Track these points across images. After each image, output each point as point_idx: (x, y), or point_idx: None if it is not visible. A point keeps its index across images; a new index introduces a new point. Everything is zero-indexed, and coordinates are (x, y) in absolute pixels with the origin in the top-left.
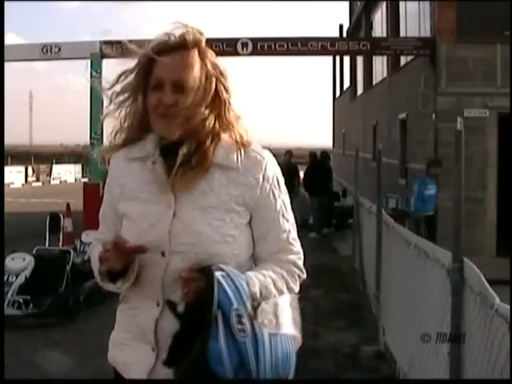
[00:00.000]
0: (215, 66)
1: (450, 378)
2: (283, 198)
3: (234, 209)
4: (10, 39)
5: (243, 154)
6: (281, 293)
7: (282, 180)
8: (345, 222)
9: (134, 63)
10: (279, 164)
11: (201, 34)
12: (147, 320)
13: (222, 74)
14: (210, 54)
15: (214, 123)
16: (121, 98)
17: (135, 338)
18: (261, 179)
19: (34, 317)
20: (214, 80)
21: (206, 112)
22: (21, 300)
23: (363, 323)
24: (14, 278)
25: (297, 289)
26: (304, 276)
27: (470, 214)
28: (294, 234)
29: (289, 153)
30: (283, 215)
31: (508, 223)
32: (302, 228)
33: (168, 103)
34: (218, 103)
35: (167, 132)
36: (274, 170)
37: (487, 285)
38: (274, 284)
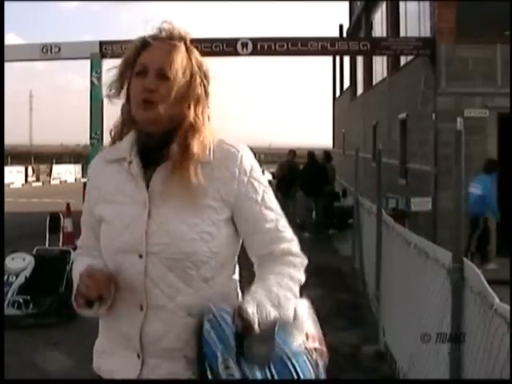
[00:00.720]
0: (200, 64)
1: (450, 377)
2: (264, 188)
3: (210, 205)
4: (9, 39)
5: (216, 148)
6: (294, 293)
7: (259, 171)
8: (345, 222)
9: (124, 55)
10: (283, 164)
11: (187, 32)
12: (131, 326)
13: (205, 74)
14: (196, 52)
15: (194, 120)
16: (113, 92)
17: (119, 345)
18: (237, 172)
19: (34, 317)
20: (197, 77)
21: (187, 106)
22: (21, 300)
23: (363, 323)
24: (14, 277)
25: (303, 277)
26: (306, 261)
27: None
28: (282, 221)
29: (292, 152)
30: (266, 206)
31: (508, 223)
32: (302, 228)
33: (151, 88)
34: (197, 101)
35: (147, 118)
36: (250, 161)
37: (487, 285)
38: (283, 288)
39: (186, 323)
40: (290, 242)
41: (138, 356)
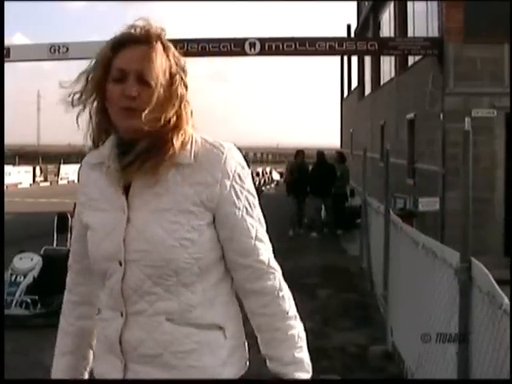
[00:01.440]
0: (178, 61)
1: (458, 377)
2: (246, 194)
3: (190, 210)
4: (16, 39)
5: (198, 148)
6: (297, 328)
7: (245, 174)
8: (353, 222)
9: (94, 59)
10: (293, 167)
11: (162, 29)
12: (113, 331)
13: (183, 69)
14: (173, 48)
15: (177, 120)
16: (84, 96)
17: (105, 349)
18: (219, 176)
19: (42, 317)
20: (177, 76)
21: (169, 108)
22: (29, 300)
23: (371, 323)
24: (22, 277)
25: (287, 302)
26: (279, 274)
27: (478, 214)
28: (261, 231)
29: (301, 152)
30: (247, 212)
31: None
32: (310, 228)
33: (132, 95)
34: (179, 100)
35: (129, 126)
36: (235, 164)
37: (495, 285)
38: (292, 332)
39: (165, 329)
40: (263, 255)
41: (121, 361)
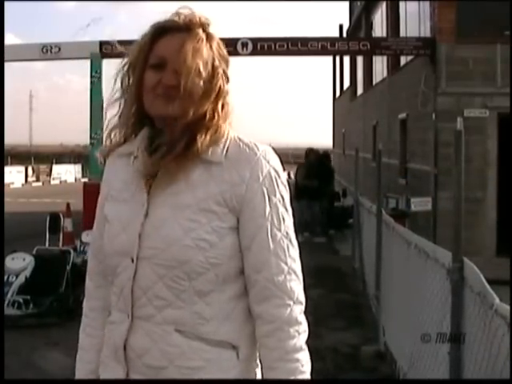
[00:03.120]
0: (222, 54)
1: (450, 377)
2: (276, 202)
3: (212, 209)
4: (8, 39)
5: (232, 147)
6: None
7: (279, 181)
8: (345, 222)
9: (135, 44)
10: (303, 165)
11: (207, 18)
12: (119, 335)
13: (226, 62)
14: (218, 40)
15: (212, 114)
16: (124, 83)
17: (111, 354)
18: (247, 176)
19: (34, 317)
20: (219, 70)
21: (206, 101)
22: (21, 300)
23: (363, 323)
24: (14, 277)
25: (300, 339)
26: (294, 304)
27: (470, 214)
28: (286, 248)
29: (313, 152)
30: (273, 222)
31: (508, 223)
32: (304, 228)
33: (170, 84)
34: (217, 96)
35: (163, 115)
36: (267, 167)
37: (487, 285)
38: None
39: (172, 340)
40: (289, 275)
41: (124, 370)
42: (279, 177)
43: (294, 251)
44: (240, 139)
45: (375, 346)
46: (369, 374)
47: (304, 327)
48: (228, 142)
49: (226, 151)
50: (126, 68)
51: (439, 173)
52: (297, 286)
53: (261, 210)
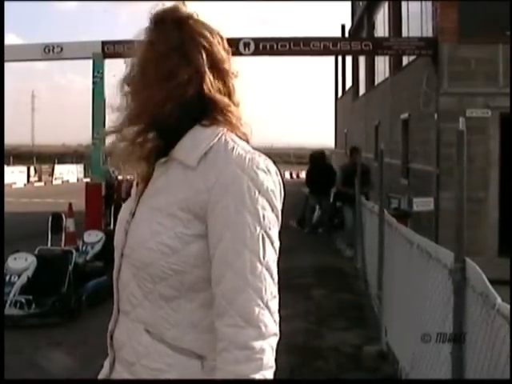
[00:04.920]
0: (199, 33)
1: (452, 377)
2: (246, 214)
3: (176, 214)
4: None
5: (214, 152)
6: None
7: (255, 194)
8: None
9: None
10: (344, 166)
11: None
12: (110, 324)
13: (212, 40)
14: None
15: (209, 116)
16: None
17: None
18: (212, 181)
19: (37, 317)
20: (194, 50)
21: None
22: (23, 300)
23: (365, 323)
24: (16, 277)
25: (251, 367)
26: (249, 328)
27: (472, 214)
28: (247, 264)
29: (355, 151)
30: (237, 235)
31: (510, 223)
32: (299, 224)
33: (126, 77)
34: (202, 86)
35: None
36: (240, 176)
37: (489, 285)
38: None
39: (142, 339)
40: (234, 292)
41: (112, 357)
42: (257, 189)
43: (261, 268)
44: (228, 143)
45: (377, 346)
46: (371, 373)
47: (259, 354)
48: (211, 145)
49: (205, 155)
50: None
51: (441, 173)
52: (258, 308)
53: (224, 218)
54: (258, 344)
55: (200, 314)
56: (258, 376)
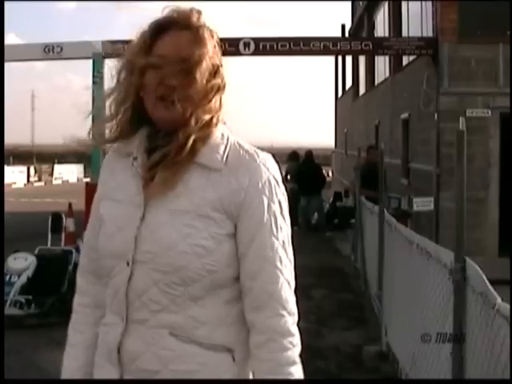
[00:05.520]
0: (220, 51)
1: (452, 377)
2: (275, 211)
3: (210, 215)
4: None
5: (232, 153)
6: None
7: (277, 190)
8: (347, 222)
9: (133, 43)
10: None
11: (201, 11)
12: (113, 338)
13: (221, 63)
14: (216, 37)
15: (211, 118)
16: (122, 82)
17: (104, 356)
18: (246, 182)
19: (36, 317)
20: (220, 67)
21: (207, 103)
22: (23, 300)
23: (365, 323)
24: (16, 277)
25: (294, 351)
26: (287, 315)
27: (472, 214)
28: (281, 257)
29: (373, 149)
30: (271, 231)
31: (510, 223)
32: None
33: (172, 84)
34: (217, 94)
35: (163, 117)
36: (267, 174)
37: (489, 285)
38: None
39: (167, 344)
40: (272, 284)
41: (118, 373)
42: (278, 185)
43: (289, 261)
44: (240, 145)
45: (377, 346)
46: (371, 373)
47: (297, 339)
48: (228, 147)
49: (226, 157)
50: (123, 66)
51: (441, 173)
52: (290, 296)
53: (259, 217)
54: (295, 329)
55: (225, 308)
56: (298, 359)
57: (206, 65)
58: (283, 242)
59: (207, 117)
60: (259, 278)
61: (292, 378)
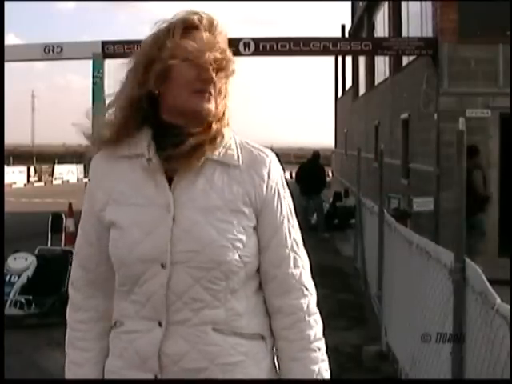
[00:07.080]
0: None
1: (452, 377)
2: (288, 200)
3: (241, 209)
4: (9, 40)
5: (245, 151)
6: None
7: (285, 184)
8: (347, 222)
9: (152, 39)
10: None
11: (222, 24)
12: (148, 344)
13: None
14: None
15: (223, 116)
16: (136, 79)
17: (133, 366)
18: (266, 177)
19: (37, 317)
20: (233, 70)
21: (226, 100)
22: (23, 300)
23: (365, 323)
24: (16, 277)
25: (319, 328)
26: (310, 295)
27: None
28: (299, 243)
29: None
30: (289, 220)
31: (510, 224)
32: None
33: (209, 78)
34: (226, 95)
35: (202, 106)
36: (279, 169)
37: (488, 285)
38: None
39: (211, 339)
40: (299, 268)
41: (156, 376)
42: (283, 178)
43: (302, 246)
44: (247, 143)
45: (377, 346)
46: (371, 373)
47: (319, 317)
48: (239, 145)
49: (241, 154)
50: (138, 63)
51: (441, 173)
52: (309, 278)
53: (278, 209)
54: (317, 308)
55: (256, 298)
56: (322, 335)
57: (231, 65)
58: (297, 228)
59: (221, 117)
60: (283, 265)
61: (321, 352)
